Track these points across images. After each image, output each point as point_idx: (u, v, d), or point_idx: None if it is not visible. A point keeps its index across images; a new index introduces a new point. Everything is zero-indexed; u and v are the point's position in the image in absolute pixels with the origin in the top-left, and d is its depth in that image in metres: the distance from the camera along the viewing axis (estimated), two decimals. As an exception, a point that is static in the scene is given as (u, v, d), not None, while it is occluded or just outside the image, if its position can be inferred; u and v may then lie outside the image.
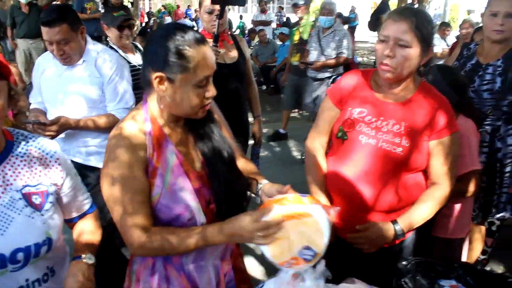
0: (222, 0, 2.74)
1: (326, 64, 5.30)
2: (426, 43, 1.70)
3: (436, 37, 7.97)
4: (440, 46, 7.61)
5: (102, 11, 9.54)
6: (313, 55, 5.42)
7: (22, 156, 1.36)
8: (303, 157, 5.48)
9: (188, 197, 1.41)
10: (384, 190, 1.79)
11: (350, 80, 1.94)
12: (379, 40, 1.75)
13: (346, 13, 20.64)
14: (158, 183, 1.39)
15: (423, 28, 1.68)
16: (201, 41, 1.37)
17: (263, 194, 1.55)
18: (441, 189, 1.80)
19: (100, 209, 2.58)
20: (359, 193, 1.80)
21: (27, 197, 1.34)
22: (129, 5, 18.24)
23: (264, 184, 1.59)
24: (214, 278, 1.57)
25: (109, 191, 1.37)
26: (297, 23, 6.25)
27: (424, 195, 1.82)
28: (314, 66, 5.34)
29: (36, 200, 1.36)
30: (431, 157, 1.79)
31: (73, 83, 2.47)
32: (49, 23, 2.30)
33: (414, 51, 1.69)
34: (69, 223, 1.60)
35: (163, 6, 22.08)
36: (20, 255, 1.30)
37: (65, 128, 2.41)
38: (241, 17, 17.61)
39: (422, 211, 1.79)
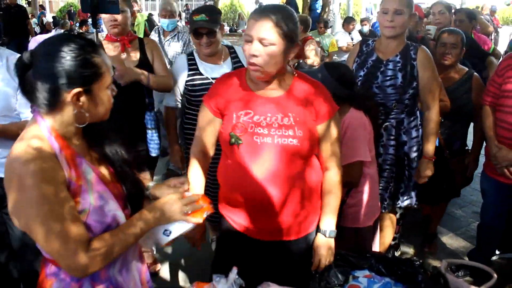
0: (92, 8, 2.65)
1: None
2: (289, 38, 1.70)
3: (341, 31, 8.30)
4: (344, 40, 7.92)
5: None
6: None
7: None
8: None
9: (113, 207, 1.41)
10: (292, 186, 1.82)
11: (223, 85, 1.90)
12: (244, 40, 1.73)
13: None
14: (84, 200, 1.34)
15: (284, 24, 1.67)
16: (97, 44, 1.38)
17: (157, 193, 1.62)
18: (334, 172, 1.92)
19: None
20: (268, 195, 1.80)
21: None
22: (25, 4, 17.10)
23: (153, 184, 1.66)
24: (138, 279, 1.59)
25: (38, 220, 1.25)
26: None
27: (325, 186, 1.95)
28: None
29: None
30: (320, 141, 1.86)
31: None
32: None
33: (278, 48, 1.68)
34: None
35: (41, 6, 19.01)
36: None
37: None
38: (150, 15, 17.13)
39: (333, 202, 1.94)
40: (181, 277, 3.26)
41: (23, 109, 2.30)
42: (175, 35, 4.63)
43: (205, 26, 2.65)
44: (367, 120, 2.40)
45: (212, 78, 2.73)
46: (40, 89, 1.28)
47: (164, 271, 3.30)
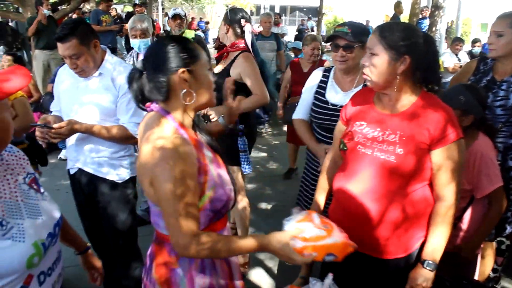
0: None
1: None
2: (394, 51, 1.72)
3: (448, 52, 7.99)
4: (451, 60, 7.62)
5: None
6: None
7: (1, 155, 1.43)
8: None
9: (228, 181, 1.62)
10: (390, 202, 1.79)
11: (357, 98, 2.04)
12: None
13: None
14: (211, 177, 1.53)
15: (388, 37, 1.73)
16: (187, 38, 1.65)
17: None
18: (445, 204, 1.79)
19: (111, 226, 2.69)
20: (363, 206, 1.82)
21: (31, 186, 1.46)
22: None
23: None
24: None
25: (169, 195, 1.42)
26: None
27: (432, 215, 1.83)
28: None
29: (35, 186, 1.48)
30: (434, 167, 1.78)
31: (88, 94, 2.50)
32: (61, 38, 2.34)
33: (382, 59, 1.74)
34: None
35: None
36: (57, 229, 1.47)
37: (73, 132, 2.41)
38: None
39: (437, 234, 1.80)
40: (267, 281, 3.34)
41: (121, 115, 2.52)
42: None
43: (343, 37, 2.49)
44: (493, 145, 2.38)
45: (332, 104, 2.63)
46: (155, 83, 1.51)
47: (252, 274, 3.40)
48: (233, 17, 3.23)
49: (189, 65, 1.52)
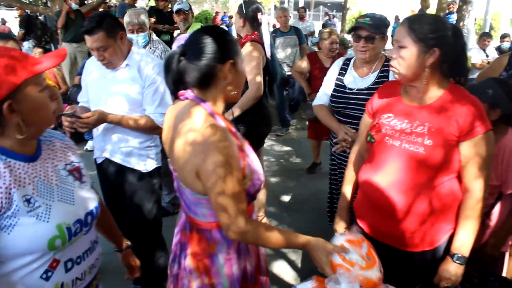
0: None
1: None
2: (423, 43, 1.71)
3: (476, 47, 7.82)
4: (479, 56, 7.47)
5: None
6: None
7: (49, 141, 1.49)
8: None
9: (260, 165, 1.64)
10: (418, 194, 1.79)
11: (383, 90, 2.03)
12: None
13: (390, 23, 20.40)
14: (248, 163, 1.56)
15: (417, 29, 1.71)
16: (226, 30, 1.68)
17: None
18: (473, 196, 1.79)
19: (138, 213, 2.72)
20: (390, 198, 1.83)
21: (71, 173, 1.50)
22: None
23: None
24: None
25: (221, 180, 1.43)
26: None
27: (461, 208, 1.83)
28: None
29: (76, 174, 1.52)
30: (462, 159, 1.77)
31: (116, 85, 2.55)
32: (88, 31, 2.39)
33: (410, 52, 1.73)
34: None
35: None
36: (89, 218, 1.48)
37: (100, 122, 2.46)
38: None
39: (467, 227, 1.80)
40: (290, 274, 3.35)
41: (147, 105, 2.56)
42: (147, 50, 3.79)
43: (366, 28, 2.61)
44: None
45: (349, 89, 2.76)
46: (196, 70, 1.51)
47: (275, 266, 3.41)
48: (248, 10, 3.24)
49: (234, 57, 1.56)
